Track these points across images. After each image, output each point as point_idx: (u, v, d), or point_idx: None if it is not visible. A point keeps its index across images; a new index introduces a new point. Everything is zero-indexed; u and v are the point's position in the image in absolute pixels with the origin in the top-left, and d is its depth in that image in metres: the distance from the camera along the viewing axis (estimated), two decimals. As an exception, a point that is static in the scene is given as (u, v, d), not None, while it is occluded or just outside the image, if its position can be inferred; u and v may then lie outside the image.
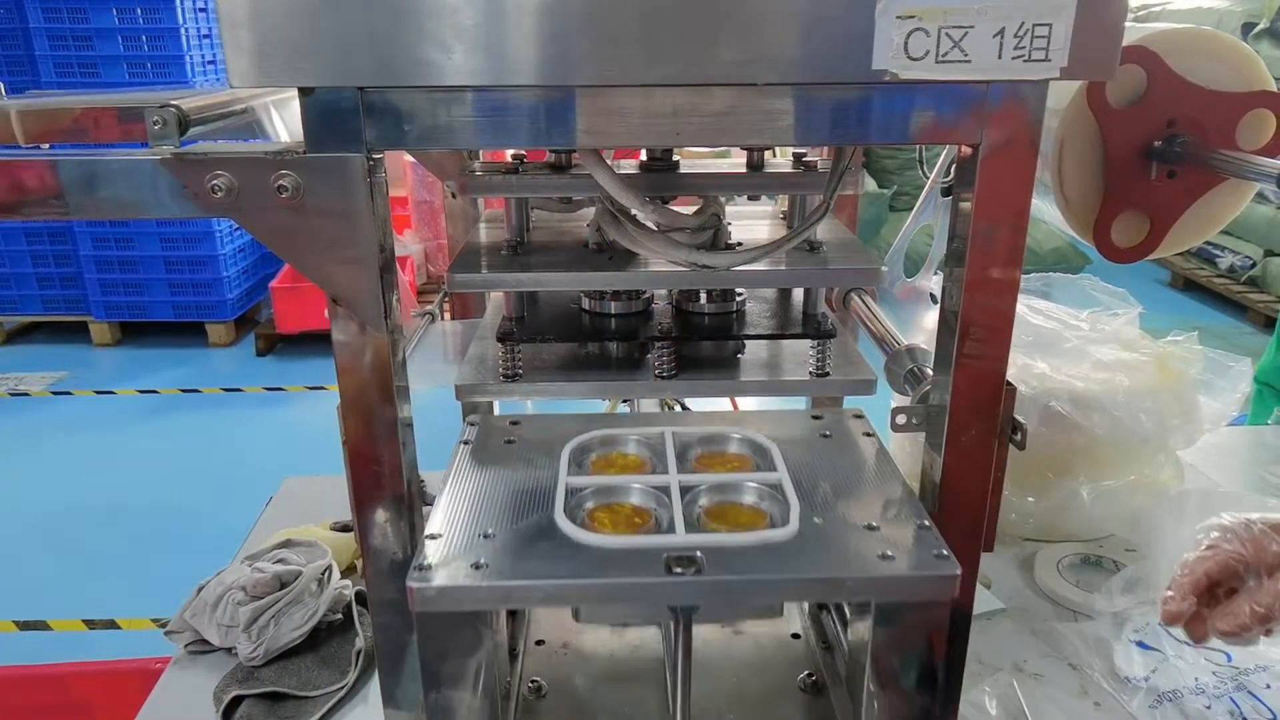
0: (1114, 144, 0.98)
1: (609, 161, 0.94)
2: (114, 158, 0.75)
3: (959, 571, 0.76)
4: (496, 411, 1.49)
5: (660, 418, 1.26)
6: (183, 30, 4.69)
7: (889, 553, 0.77)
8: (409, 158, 5.26)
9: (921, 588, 0.78)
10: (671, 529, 0.80)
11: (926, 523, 0.82)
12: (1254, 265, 5.64)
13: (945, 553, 0.78)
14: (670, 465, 0.90)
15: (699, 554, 0.76)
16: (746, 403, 2.03)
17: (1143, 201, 1.00)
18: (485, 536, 0.81)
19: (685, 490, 0.86)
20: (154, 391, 4.69)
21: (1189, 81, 0.97)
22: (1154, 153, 0.98)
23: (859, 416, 1.05)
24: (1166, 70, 0.96)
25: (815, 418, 1.04)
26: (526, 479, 0.91)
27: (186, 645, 1.19)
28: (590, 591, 0.78)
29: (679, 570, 0.75)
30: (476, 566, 0.76)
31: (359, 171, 0.75)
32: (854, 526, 0.82)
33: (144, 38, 4.71)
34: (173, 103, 0.77)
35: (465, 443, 1.00)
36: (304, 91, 0.73)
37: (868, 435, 1.01)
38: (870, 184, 5.97)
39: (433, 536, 0.81)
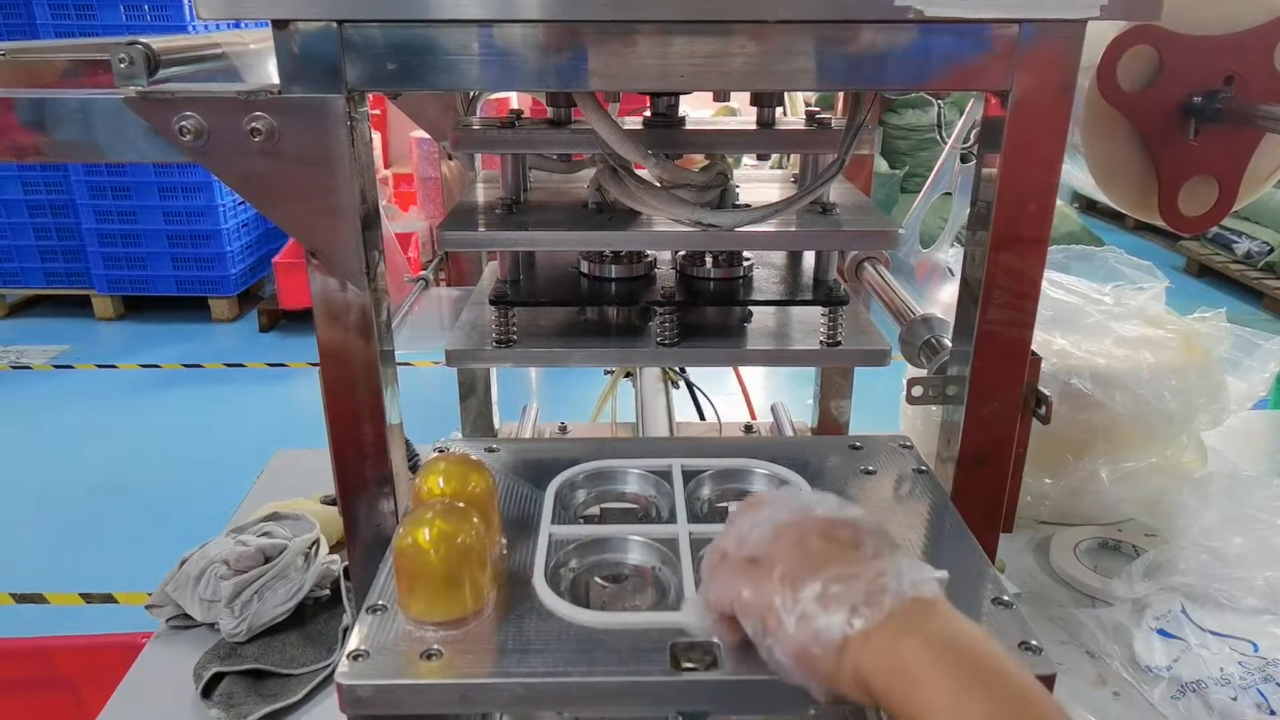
0: (1144, 125, 0.92)
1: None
2: (75, 96, 0.70)
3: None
4: (494, 382, 1.44)
5: (669, 446, 0.99)
6: (186, 1, 4.61)
7: None
8: (415, 134, 5.21)
9: None
10: (679, 601, 0.66)
11: (1006, 598, 0.67)
12: (1271, 251, 5.54)
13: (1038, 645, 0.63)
14: (679, 511, 0.76)
15: (715, 640, 0.60)
16: (756, 379, 1.98)
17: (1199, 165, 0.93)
18: None
19: (698, 545, 0.70)
20: (156, 366, 4.65)
21: (1206, 37, 0.89)
22: (1193, 111, 0.91)
23: (907, 446, 0.92)
24: (1177, 39, 0.89)
25: (854, 447, 0.92)
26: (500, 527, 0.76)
27: (168, 620, 1.15)
28: (573, 692, 0.62)
29: (689, 664, 0.59)
30: (428, 655, 0.62)
31: (338, 114, 0.70)
32: None
33: (147, 8, 4.64)
34: (142, 41, 0.71)
35: None
36: (278, 25, 0.68)
37: (920, 471, 0.88)
38: (882, 165, 5.88)
39: (374, 609, 0.67)
